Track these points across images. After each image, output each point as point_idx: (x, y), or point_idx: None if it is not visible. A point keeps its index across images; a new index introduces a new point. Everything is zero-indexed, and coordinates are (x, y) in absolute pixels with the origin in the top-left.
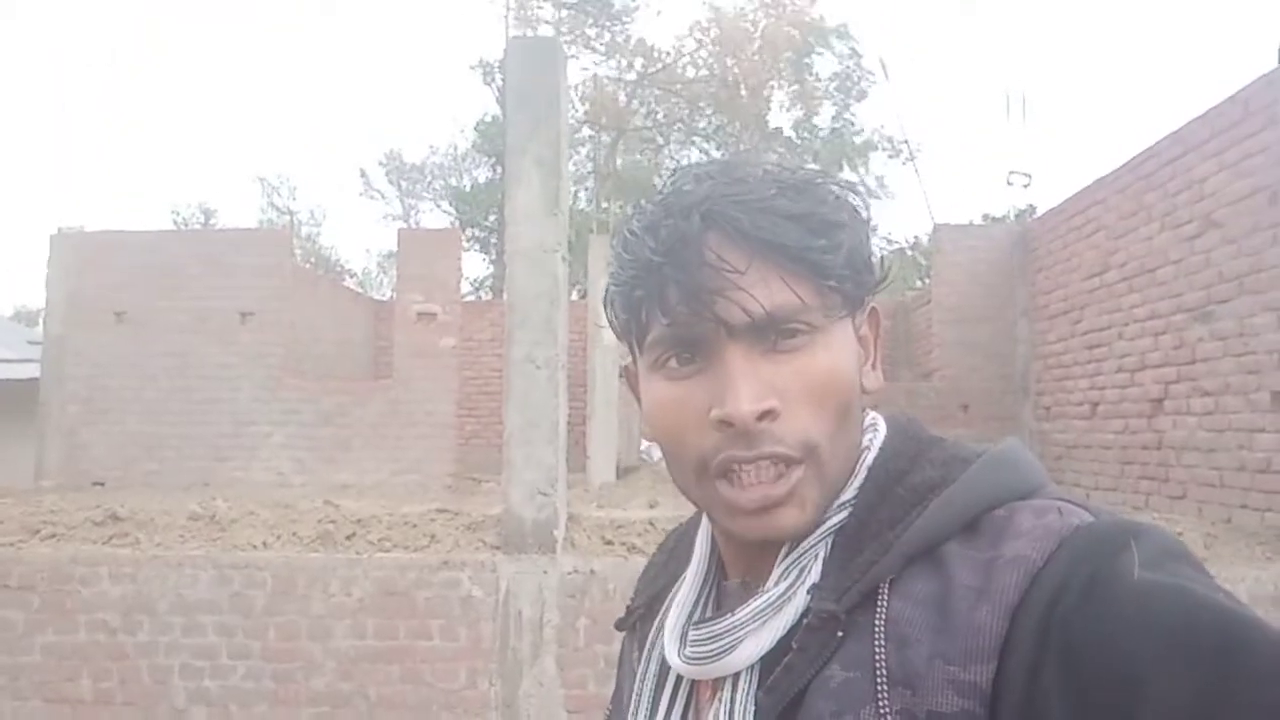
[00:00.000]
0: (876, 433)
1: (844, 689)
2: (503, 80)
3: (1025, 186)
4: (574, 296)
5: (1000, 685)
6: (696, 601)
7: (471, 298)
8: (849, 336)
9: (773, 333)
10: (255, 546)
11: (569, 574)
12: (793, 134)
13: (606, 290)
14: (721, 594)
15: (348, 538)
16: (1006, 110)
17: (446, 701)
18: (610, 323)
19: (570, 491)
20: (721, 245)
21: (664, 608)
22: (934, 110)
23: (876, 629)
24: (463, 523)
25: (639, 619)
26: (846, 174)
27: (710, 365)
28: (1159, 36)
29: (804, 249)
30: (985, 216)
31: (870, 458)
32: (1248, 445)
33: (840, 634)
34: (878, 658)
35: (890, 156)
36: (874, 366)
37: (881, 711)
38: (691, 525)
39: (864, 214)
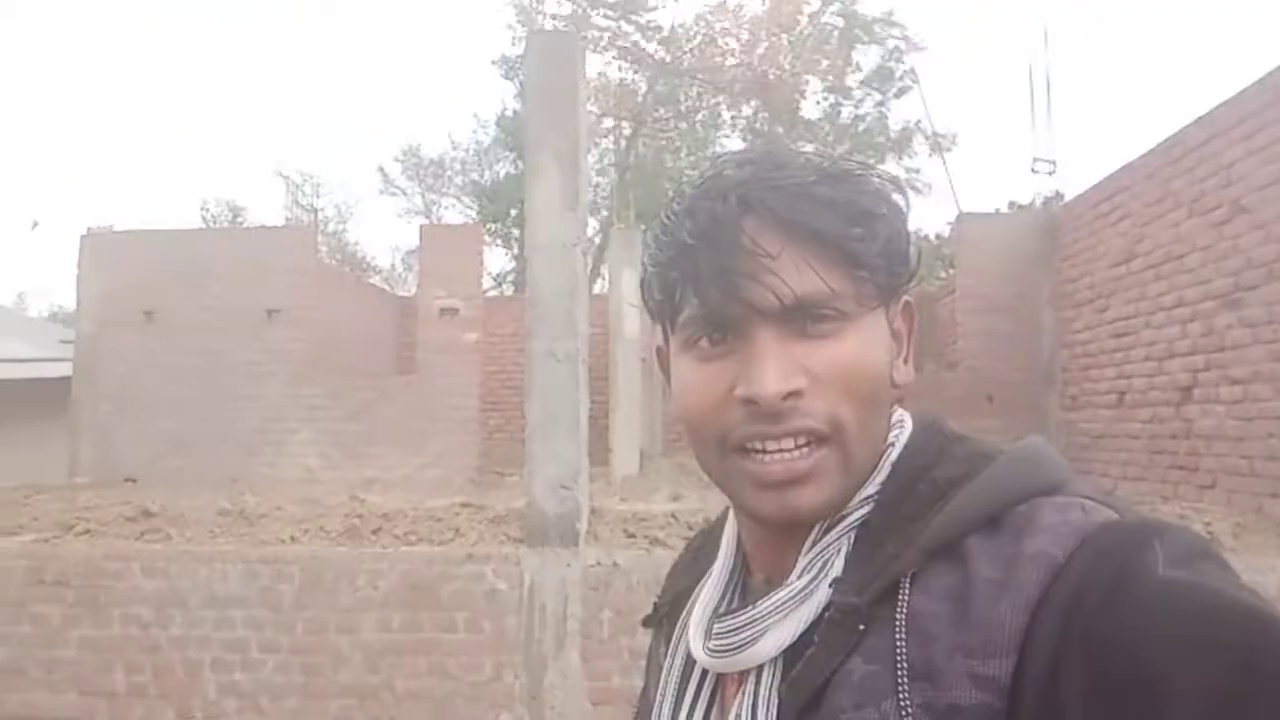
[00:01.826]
0: (903, 429)
1: (865, 682)
2: (522, 75)
3: (1050, 174)
4: (597, 289)
5: (1020, 680)
6: (722, 596)
7: (494, 292)
8: (881, 328)
9: (804, 318)
10: (283, 541)
11: (592, 567)
12: (826, 125)
13: (643, 270)
14: (746, 591)
15: (374, 532)
16: (1031, 97)
17: (472, 694)
18: (645, 303)
19: (593, 485)
20: (757, 229)
21: (689, 604)
22: (961, 97)
23: (897, 623)
24: (486, 516)
25: (665, 615)
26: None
27: (740, 346)
28: (1188, 21)
29: (840, 236)
30: (1011, 204)
31: (895, 453)
32: (1278, 434)
33: (861, 628)
34: (898, 651)
35: (928, 151)
36: (906, 361)
37: (902, 705)
38: (718, 524)
39: (904, 207)
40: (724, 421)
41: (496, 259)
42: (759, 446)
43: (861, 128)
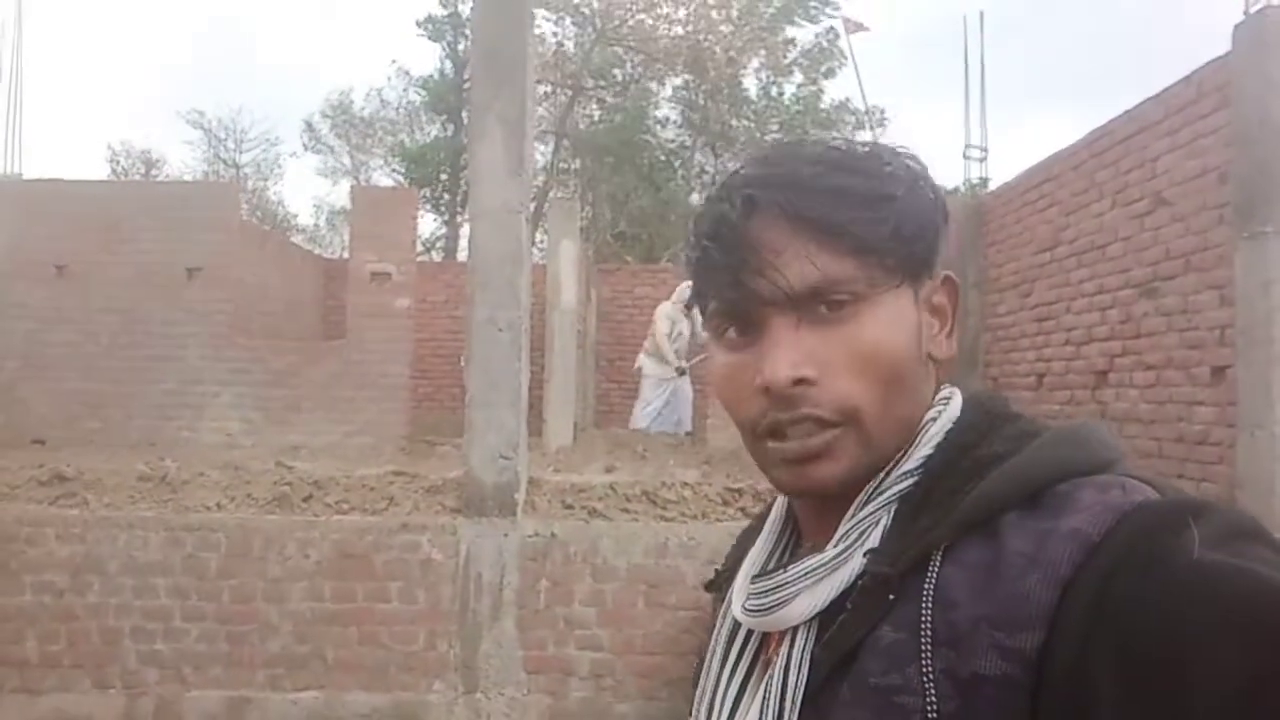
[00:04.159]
0: (949, 405)
1: (892, 649)
2: (451, 38)
3: (982, 160)
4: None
5: (1047, 655)
6: (767, 559)
7: (423, 258)
8: (905, 306)
9: (818, 304)
10: (209, 508)
11: (530, 537)
12: (763, 101)
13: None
14: (795, 557)
15: (304, 500)
16: (966, 81)
17: (405, 663)
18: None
19: (528, 455)
20: (763, 226)
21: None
22: (897, 80)
23: (925, 592)
24: (422, 485)
25: (726, 581)
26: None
27: (760, 336)
28: (1123, 14)
29: (844, 222)
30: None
31: (935, 429)
32: (1187, 418)
33: (892, 597)
34: (924, 618)
35: (856, 129)
36: (948, 335)
37: (925, 670)
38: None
39: (923, 186)
40: (752, 409)
41: (426, 224)
42: (778, 430)
43: (796, 109)
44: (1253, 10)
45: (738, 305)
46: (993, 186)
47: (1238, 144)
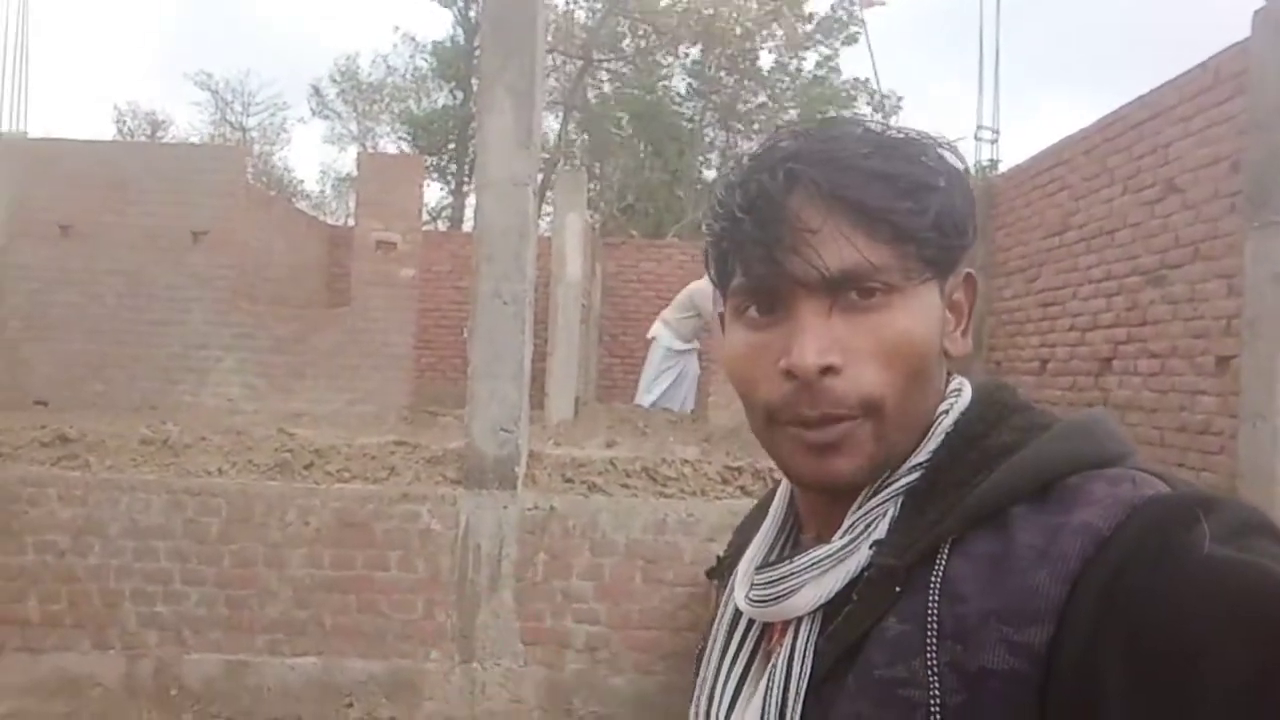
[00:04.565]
0: (959, 397)
1: (898, 641)
2: (463, 3)
3: (993, 142)
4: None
5: (1056, 650)
6: (770, 549)
7: (429, 227)
8: (933, 300)
9: (849, 289)
10: (210, 473)
11: (529, 510)
12: (780, 76)
13: (706, 238)
14: (798, 546)
15: (306, 467)
16: (980, 62)
17: (403, 631)
18: (707, 269)
19: (529, 428)
20: (802, 203)
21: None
22: (910, 58)
23: (932, 585)
24: (423, 456)
25: (728, 567)
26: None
27: (786, 317)
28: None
29: (886, 209)
30: None
31: (948, 421)
32: (1189, 407)
33: (898, 589)
34: (930, 611)
35: (870, 108)
36: (965, 333)
37: (930, 663)
38: (783, 482)
39: (963, 178)
40: (771, 393)
41: (432, 193)
42: (798, 419)
43: (809, 82)
44: None
45: (767, 282)
46: (1003, 169)
47: (1252, 131)
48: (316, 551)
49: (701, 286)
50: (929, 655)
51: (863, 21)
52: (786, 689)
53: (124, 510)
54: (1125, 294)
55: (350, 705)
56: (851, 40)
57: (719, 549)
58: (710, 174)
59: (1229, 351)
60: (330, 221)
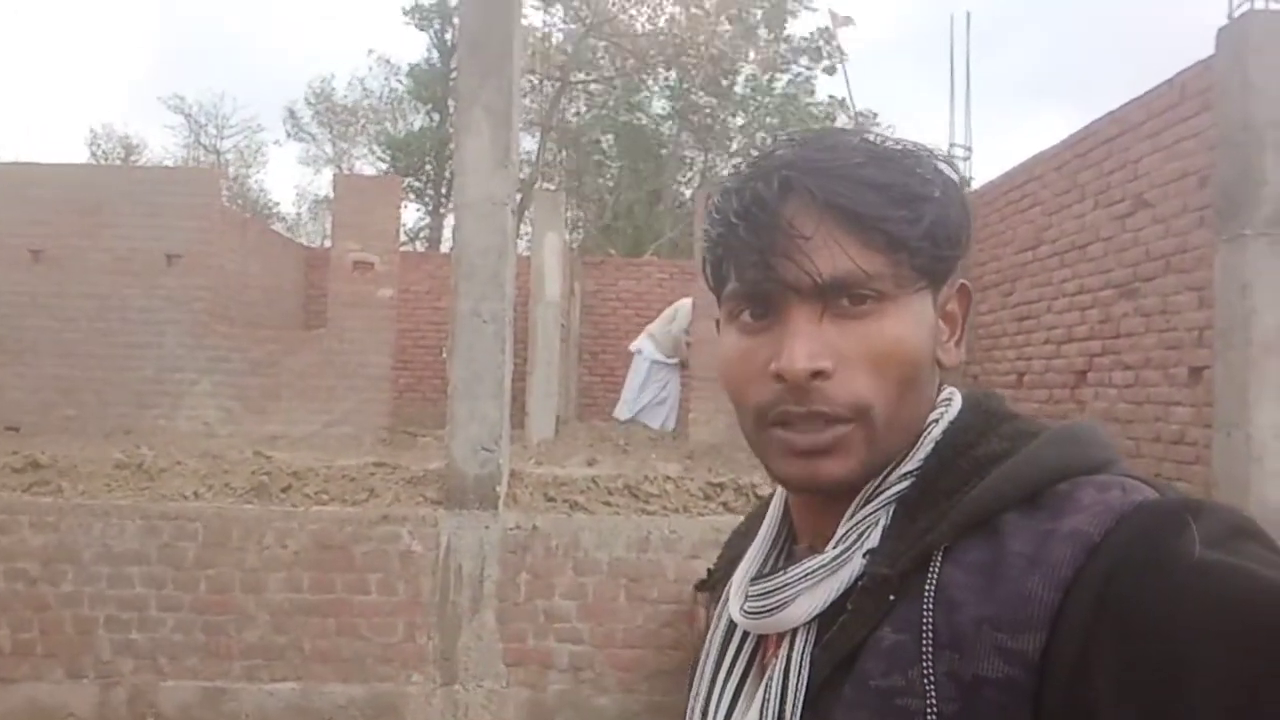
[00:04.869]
0: (950, 406)
1: (893, 650)
2: (439, 26)
3: (966, 159)
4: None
5: (1049, 657)
6: (764, 560)
7: (406, 248)
8: (925, 310)
9: (842, 296)
10: (186, 497)
11: (511, 530)
12: (755, 98)
13: (702, 244)
14: (791, 556)
15: (283, 490)
16: (951, 79)
17: (383, 655)
18: (703, 274)
19: (510, 447)
20: (796, 210)
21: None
22: (882, 73)
23: (926, 594)
24: (402, 477)
25: (719, 580)
26: None
27: (778, 322)
28: (1120, 15)
29: (880, 218)
30: None
31: (938, 430)
32: (1164, 418)
33: (892, 597)
34: (925, 620)
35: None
36: (958, 343)
37: (926, 672)
38: (776, 493)
39: (957, 189)
40: (761, 395)
41: (409, 214)
42: (785, 415)
43: (783, 99)
44: (1236, 14)
45: (760, 287)
46: (976, 185)
47: (1219, 147)
48: (295, 575)
49: (688, 304)
50: (925, 664)
51: (843, 54)
52: (783, 701)
53: (97, 536)
54: (1099, 307)
55: None
56: (830, 70)
57: (703, 566)
58: (688, 193)
59: (1201, 362)
60: (306, 243)
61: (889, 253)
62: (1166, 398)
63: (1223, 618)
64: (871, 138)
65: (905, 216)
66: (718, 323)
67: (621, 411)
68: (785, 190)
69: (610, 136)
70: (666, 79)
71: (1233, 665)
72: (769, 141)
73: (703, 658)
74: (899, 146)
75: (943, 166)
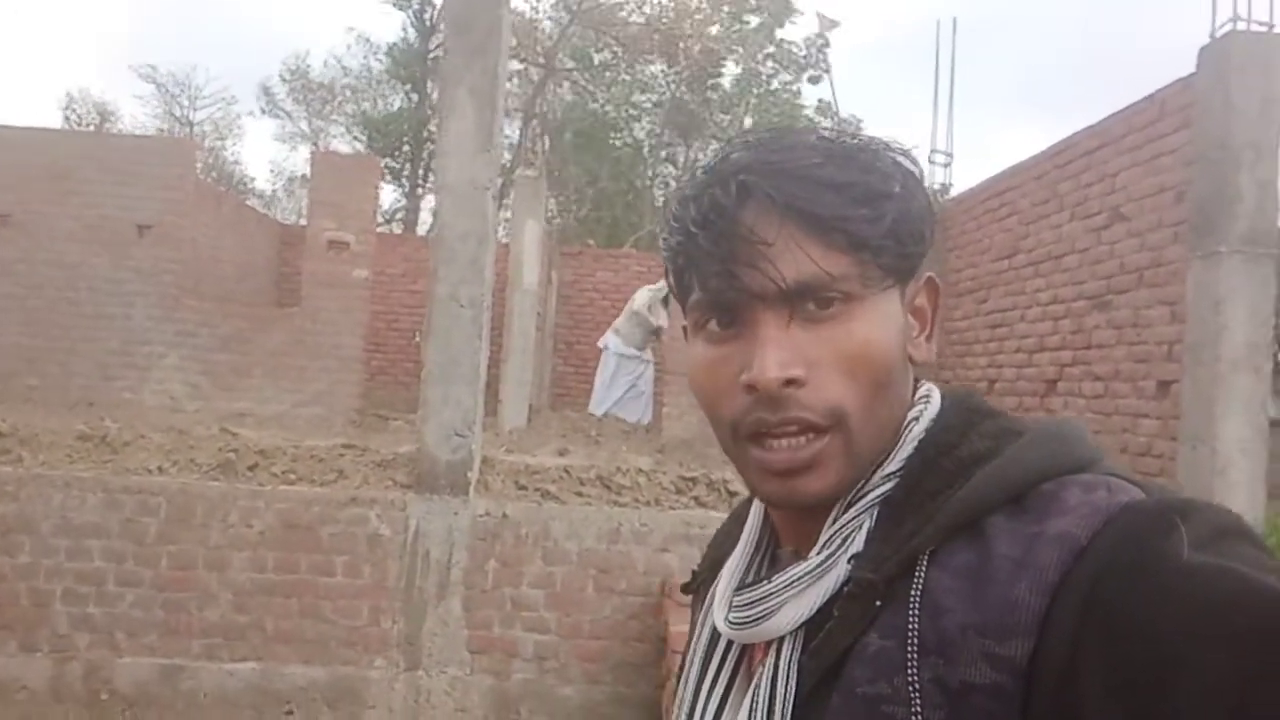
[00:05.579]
0: (929, 404)
1: (879, 657)
2: (418, 6)
3: (946, 165)
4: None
5: (1038, 662)
6: (747, 568)
7: (382, 230)
8: (893, 307)
9: (808, 300)
10: (150, 471)
11: (481, 516)
12: (739, 98)
13: (663, 252)
14: (775, 561)
15: (250, 468)
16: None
17: (347, 638)
18: (667, 282)
19: (482, 435)
20: (756, 215)
21: (721, 573)
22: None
23: (912, 599)
24: (372, 459)
25: (703, 583)
26: None
27: (746, 330)
28: (1109, 28)
29: (840, 219)
30: None
31: (918, 429)
32: (1131, 429)
33: (878, 603)
34: (910, 626)
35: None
36: (928, 338)
37: (911, 679)
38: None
39: (919, 184)
40: (734, 407)
41: (386, 195)
42: (765, 435)
43: (771, 105)
44: (1219, 33)
45: (724, 297)
46: (956, 192)
47: (1197, 164)
48: (259, 554)
49: (643, 292)
50: (910, 671)
51: (828, 65)
52: (771, 710)
53: (57, 507)
54: (1071, 318)
55: (290, 713)
56: (815, 80)
57: (672, 559)
58: (671, 185)
59: (1170, 376)
60: (281, 220)
61: (852, 253)
62: (1134, 409)
63: (1210, 620)
64: (829, 135)
65: (866, 215)
66: (685, 329)
67: (595, 407)
68: (744, 196)
69: (592, 126)
70: (650, 73)
71: (1220, 668)
72: (728, 140)
73: (687, 664)
74: (857, 142)
75: (902, 160)
